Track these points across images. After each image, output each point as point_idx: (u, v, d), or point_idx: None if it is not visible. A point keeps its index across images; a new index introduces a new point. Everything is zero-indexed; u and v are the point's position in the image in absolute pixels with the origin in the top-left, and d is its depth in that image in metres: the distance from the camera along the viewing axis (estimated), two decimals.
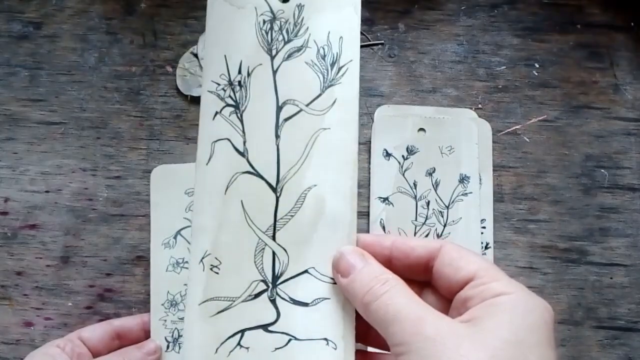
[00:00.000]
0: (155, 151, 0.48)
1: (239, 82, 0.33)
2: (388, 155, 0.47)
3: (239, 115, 0.33)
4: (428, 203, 0.46)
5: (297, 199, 0.32)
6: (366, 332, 0.31)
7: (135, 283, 0.46)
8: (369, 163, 0.47)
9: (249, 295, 0.31)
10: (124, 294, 0.46)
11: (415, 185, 0.47)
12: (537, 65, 0.50)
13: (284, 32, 0.33)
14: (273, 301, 0.31)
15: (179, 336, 0.43)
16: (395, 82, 0.50)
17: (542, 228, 0.47)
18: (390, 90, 0.50)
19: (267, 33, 0.33)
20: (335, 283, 0.30)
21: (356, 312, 0.30)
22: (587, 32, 0.51)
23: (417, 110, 0.49)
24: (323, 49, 0.33)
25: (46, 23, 0.51)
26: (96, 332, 0.42)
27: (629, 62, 0.50)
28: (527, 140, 0.49)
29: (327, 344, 0.30)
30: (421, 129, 0.47)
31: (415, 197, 0.46)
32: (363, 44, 0.51)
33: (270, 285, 0.31)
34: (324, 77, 0.33)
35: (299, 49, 0.33)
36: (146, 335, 0.44)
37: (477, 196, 0.46)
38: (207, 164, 0.32)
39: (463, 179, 0.46)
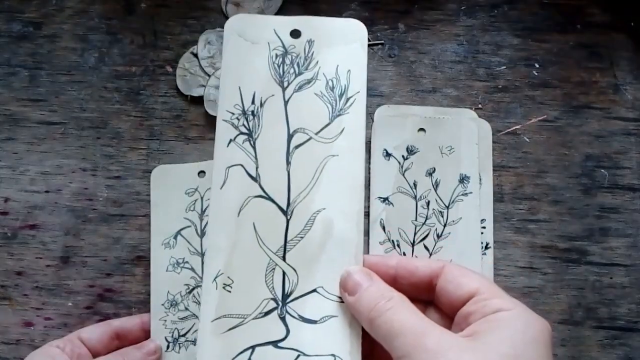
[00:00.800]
0: (155, 151, 0.48)
1: (252, 111, 0.35)
2: (388, 155, 0.47)
3: (252, 142, 0.35)
4: (428, 203, 0.46)
5: (307, 221, 0.33)
6: (372, 349, 0.32)
7: (135, 283, 0.46)
8: (369, 163, 0.47)
9: (260, 313, 0.32)
10: (124, 294, 0.46)
11: (415, 185, 0.47)
12: (537, 65, 0.50)
13: (295, 65, 0.36)
14: (283, 319, 0.32)
15: (179, 336, 0.43)
16: (395, 82, 0.50)
17: (542, 228, 0.47)
18: (390, 90, 0.50)
19: (279, 66, 0.36)
20: (342, 301, 0.31)
21: (362, 329, 0.31)
22: (587, 32, 0.51)
23: (417, 110, 0.49)
24: (332, 81, 0.36)
25: (46, 23, 0.51)
26: (95, 332, 0.42)
27: (629, 62, 0.50)
28: (527, 140, 0.49)
29: (335, 359, 0.31)
30: (421, 129, 0.47)
31: (415, 197, 0.46)
32: None
33: (280, 303, 0.32)
34: (332, 107, 0.35)
35: (309, 81, 0.35)
36: (146, 335, 0.44)
37: (477, 196, 0.46)
38: (221, 188, 0.34)
39: (463, 179, 0.46)
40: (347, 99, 0.35)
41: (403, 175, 0.47)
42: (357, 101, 0.35)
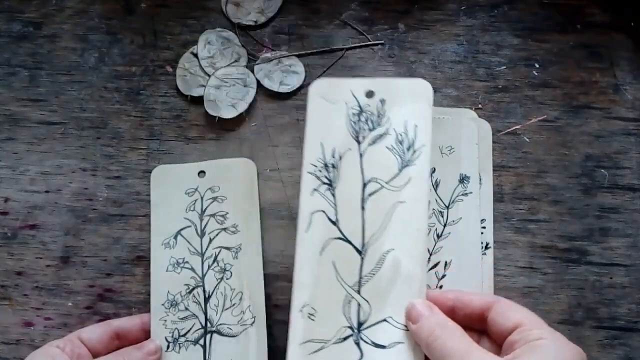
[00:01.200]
0: (155, 151, 0.48)
1: (332, 164, 0.40)
2: None
3: (332, 191, 0.39)
4: (428, 203, 0.46)
5: (378, 260, 0.38)
6: None
7: (135, 283, 0.46)
8: None
9: (339, 339, 0.37)
10: (124, 294, 0.46)
11: None
12: (537, 65, 0.50)
13: (369, 122, 0.40)
14: (357, 344, 0.37)
15: (179, 336, 0.43)
16: None
17: (542, 228, 0.47)
18: None
19: (355, 123, 0.40)
20: (407, 330, 0.36)
21: (424, 354, 0.36)
22: (587, 32, 0.51)
23: None
24: (401, 135, 0.40)
25: (46, 23, 0.51)
26: (95, 332, 0.42)
27: (629, 62, 0.50)
28: (527, 140, 0.49)
29: None
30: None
31: None
32: (363, 44, 0.51)
33: (355, 330, 0.37)
34: (401, 159, 0.39)
35: (381, 136, 0.40)
36: (146, 335, 0.43)
37: (477, 196, 0.46)
38: (306, 231, 0.39)
39: (463, 179, 0.46)
40: (414, 152, 0.39)
41: None
42: (423, 153, 0.39)
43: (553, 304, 0.45)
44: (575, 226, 0.47)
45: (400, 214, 0.38)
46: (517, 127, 0.49)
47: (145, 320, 0.44)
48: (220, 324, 0.43)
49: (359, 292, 0.38)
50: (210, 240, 0.45)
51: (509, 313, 0.35)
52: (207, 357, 0.43)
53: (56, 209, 0.47)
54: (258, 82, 0.49)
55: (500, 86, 0.50)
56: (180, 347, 0.43)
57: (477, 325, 0.37)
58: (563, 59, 0.50)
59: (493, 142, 0.48)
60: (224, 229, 0.45)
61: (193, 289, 0.44)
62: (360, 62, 0.50)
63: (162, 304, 0.44)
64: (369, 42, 0.51)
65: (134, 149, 0.49)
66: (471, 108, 0.49)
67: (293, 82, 0.49)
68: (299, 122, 0.49)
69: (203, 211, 0.45)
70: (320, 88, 0.41)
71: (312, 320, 0.37)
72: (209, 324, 0.43)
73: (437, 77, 0.50)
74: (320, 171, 0.40)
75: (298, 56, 0.50)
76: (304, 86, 0.50)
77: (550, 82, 0.50)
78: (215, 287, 0.44)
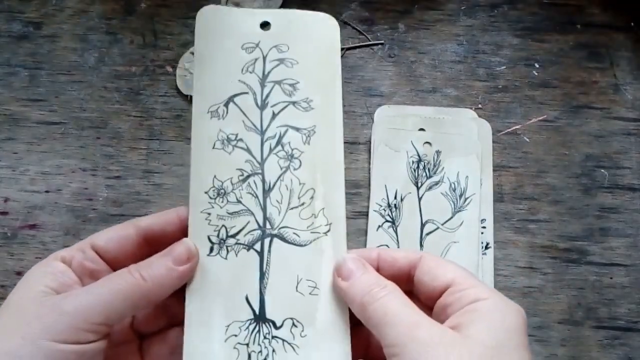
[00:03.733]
0: (155, 151, 0.48)
1: (395, 205, 0.45)
2: None
3: (394, 228, 0.45)
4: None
5: None
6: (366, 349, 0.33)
7: None
8: (369, 163, 0.47)
9: None
10: None
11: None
12: (537, 65, 0.50)
13: (427, 170, 0.46)
14: None
15: (227, 237, 0.33)
16: (395, 82, 0.50)
17: (542, 228, 0.47)
18: (390, 90, 0.50)
19: (414, 170, 0.46)
20: None
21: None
22: (587, 32, 0.51)
23: (417, 110, 0.49)
24: (454, 184, 0.46)
25: (46, 23, 0.51)
26: (115, 238, 0.32)
27: (629, 62, 0.50)
28: (527, 140, 0.49)
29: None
30: (421, 129, 0.47)
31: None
32: (363, 44, 0.51)
33: None
34: (454, 205, 0.45)
35: (437, 183, 0.45)
36: (184, 236, 0.32)
37: (477, 196, 0.46)
38: None
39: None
40: (465, 199, 0.45)
41: None
42: (473, 201, 0.45)
43: (553, 304, 0.45)
44: (575, 226, 0.47)
45: (454, 252, 0.44)
46: (517, 127, 0.49)
47: (182, 215, 0.33)
48: (284, 227, 0.33)
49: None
50: (274, 115, 0.34)
51: (437, 270, 0.31)
52: (264, 268, 0.32)
53: (56, 209, 0.47)
54: None
55: (500, 86, 0.50)
56: (228, 252, 0.32)
57: (403, 286, 0.31)
58: (563, 59, 0.50)
59: (493, 142, 0.48)
60: (293, 103, 0.35)
61: (248, 176, 0.33)
62: (360, 62, 0.50)
63: (206, 192, 0.33)
64: (369, 42, 0.51)
65: (134, 149, 0.49)
66: (471, 108, 0.49)
67: None
68: None
69: (265, 75, 0.35)
70: (385, 136, 0.47)
71: None
72: (268, 225, 0.33)
73: (437, 77, 0.50)
74: (384, 210, 0.45)
75: None
76: None
77: (550, 82, 0.50)
78: (279, 178, 0.33)
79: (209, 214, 0.33)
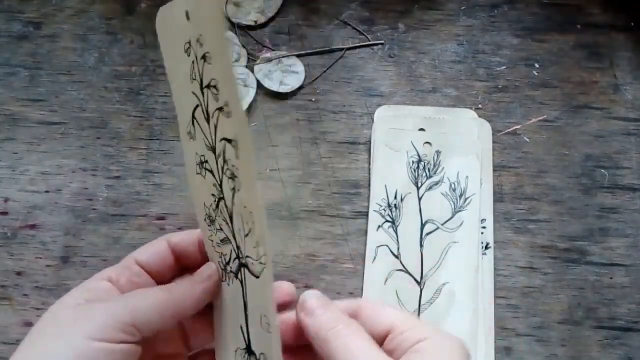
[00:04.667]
0: (155, 151, 0.48)
1: (395, 205, 0.45)
2: None
3: (394, 228, 0.45)
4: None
5: (435, 291, 0.43)
6: None
7: None
8: (369, 163, 0.47)
9: None
10: None
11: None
12: (537, 65, 0.50)
13: (427, 170, 0.45)
14: None
15: (225, 264, 0.32)
16: (395, 82, 0.50)
17: (542, 228, 0.47)
18: (390, 90, 0.50)
19: (414, 170, 0.45)
20: None
21: None
22: (587, 32, 0.51)
23: (417, 110, 0.49)
24: (454, 184, 0.45)
25: (46, 23, 0.51)
26: (154, 253, 0.34)
27: (629, 62, 0.50)
28: (527, 140, 0.49)
29: None
30: (421, 129, 0.47)
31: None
32: (363, 44, 0.51)
33: None
34: (454, 205, 0.45)
35: (437, 183, 0.45)
36: (203, 256, 0.34)
37: (477, 196, 0.46)
38: (372, 262, 0.44)
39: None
40: (465, 199, 0.45)
41: None
42: (473, 201, 0.45)
43: (553, 304, 0.45)
44: (575, 226, 0.47)
45: (454, 252, 0.44)
46: (517, 127, 0.49)
47: (201, 236, 0.34)
48: (247, 256, 0.29)
49: (418, 317, 0.42)
50: (215, 127, 0.29)
51: (375, 318, 0.31)
52: (245, 298, 0.30)
53: (56, 209, 0.47)
54: (258, 82, 0.49)
55: (500, 86, 0.50)
56: (228, 279, 0.32)
57: None
58: (563, 59, 0.50)
59: (493, 142, 0.48)
60: (220, 109, 0.28)
61: (218, 201, 0.31)
62: (360, 62, 0.50)
63: (205, 220, 0.32)
64: (369, 42, 0.51)
65: (134, 149, 0.49)
66: (471, 108, 0.49)
67: (293, 82, 0.49)
68: (299, 122, 0.49)
69: (201, 80, 0.29)
70: (385, 137, 0.46)
71: None
72: (240, 253, 0.30)
73: (437, 77, 0.50)
74: (384, 210, 0.45)
75: (298, 56, 0.50)
76: (304, 86, 0.49)
77: (550, 82, 0.50)
78: (232, 200, 0.29)
79: (212, 240, 0.33)
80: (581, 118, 0.49)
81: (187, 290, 0.32)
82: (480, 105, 0.49)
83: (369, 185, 0.47)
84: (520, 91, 0.50)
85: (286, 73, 0.50)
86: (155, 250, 0.34)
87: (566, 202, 0.47)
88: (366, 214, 0.46)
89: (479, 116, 0.48)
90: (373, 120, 0.48)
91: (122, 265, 0.33)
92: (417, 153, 0.46)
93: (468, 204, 0.45)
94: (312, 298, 0.32)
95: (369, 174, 0.47)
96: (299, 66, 0.50)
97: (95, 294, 0.32)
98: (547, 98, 0.49)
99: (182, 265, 0.34)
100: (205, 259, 0.34)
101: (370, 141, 0.48)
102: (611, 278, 0.46)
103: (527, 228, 0.47)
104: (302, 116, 0.49)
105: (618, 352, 0.45)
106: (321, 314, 0.31)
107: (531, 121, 0.49)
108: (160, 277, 0.34)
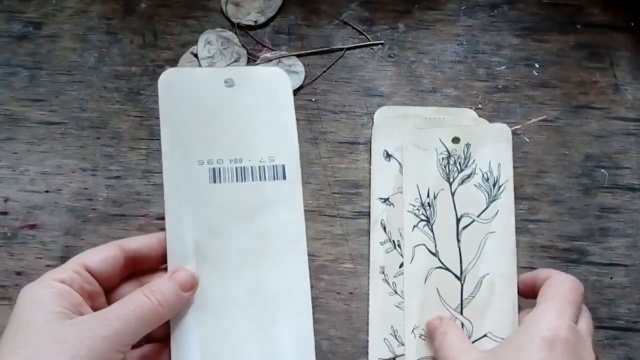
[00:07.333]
0: (155, 151, 0.48)
1: (428, 203, 0.45)
2: (388, 156, 0.47)
3: (430, 226, 0.44)
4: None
5: (476, 284, 0.43)
6: None
7: None
8: (370, 164, 0.47)
9: None
10: None
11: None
12: (537, 65, 0.50)
13: (457, 164, 0.45)
14: None
15: None
16: (395, 82, 0.50)
17: (542, 228, 0.47)
18: (390, 90, 0.50)
19: (445, 167, 0.45)
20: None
21: None
22: (587, 32, 0.51)
23: (417, 110, 0.49)
24: (486, 174, 0.45)
25: (46, 23, 0.51)
26: (105, 260, 0.34)
27: (629, 62, 0.50)
28: (527, 140, 0.49)
29: None
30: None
31: None
32: (363, 44, 0.51)
33: None
34: (488, 195, 0.44)
35: (469, 176, 0.45)
36: (165, 259, 0.36)
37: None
38: (410, 263, 0.44)
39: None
40: (499, 187, 0.44)
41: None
42: (507, 188, 0.45)
43: None
44: (575, 226, 0.47)
45: (491, 242, 0.44)
46: (517, 127, 0.49)
47: (162, 239, 0.36)
48: None
49: (461, 313, 0.43)
50: None
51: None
52: None
53: (56, 209, 0.47)
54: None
55: (500, 86, 0.50)
56: None
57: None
58: (563, 59, 0.50)
59: None
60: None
61: None
62: (360, 62, 0.50)
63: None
64: (369, 42, 0.51)
65: (134, 149, 0.49)
66: (471, 108, 0.49)
67: (293, 82, 0.49)
68: (299, 122, 0.49)
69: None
70: (413, 137, 0.46)
71: (423, 339, 0.42)
72: None
73: (437, 77, 0.50)
74: (418, 210, 0.45)
75: (298, 56, 0.50)
76: (304, 86, 0.49)
77: (550, 82, 0.50)
78: None
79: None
80: (581, 118, 0.49)
81: (174, 301, 0.33)
82: (480, 105, 0.49)
83: (369, 185, 0.47)
84: (520, 91, 0.50)
85: (286, 73, 0.50)
86: (106, 256, 0.34)
87: (566, 202, 0.47)
88: (366, 214, 0.46)
89: (479, 116, 0.48)
90: (373, 121, 0.48)
91: (72, 269, 0.33)
92: (447, 149, 0.46)
93: (502, 191, 0.45)
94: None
95: (369, 174, 0.47)
96: (299, 66, 0.50)
97: (67, 300, 0.31)
98: (547, 98, 0.49)
99: (132, 270, 0.35)
100: (160, 262, 0.35)
101: (370, 142, 0.48)
102: (611, 278, 0.46)
103: (527, 228, 0.47)
104: (302, 116, 0.49)
105: (618, 352, 0.45)
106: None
107: (531, 121, 0.49)
108: (109, 283, 0.34)
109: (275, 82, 0.40)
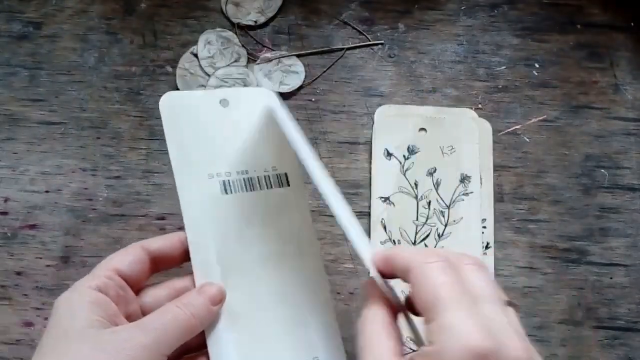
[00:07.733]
0: (155, 151, 0.48)
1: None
2: (389, 155, 0.47)
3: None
4: (429, 203, 0.46)
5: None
6: None
7: None
8: (370, 163, 0.47)
9: None
10: None
11: (416, 185, 0.47)
12: (537, 65, 0.50)
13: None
14: None
15: None
16: (395, 82, 0.50)
17: (542, 228, 0.47)
18: (390, 90, 0.50)
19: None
20: None
21: None
22: (587, 32, 0.51)
23: (417, 110, 0.49)
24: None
25: (46, 23, 0.51)
26: (134, 262, 0.34)
27: (629, 62, 0.50)
28: (527, 140, 0.49)
29: None
30: (422, 129, 0.47)
31: (417, 197, 0.46)
32: (363, 44, 0.51)
33: None
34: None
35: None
36: (187, 257, 0.36)
37: (478, 196, 0.46)
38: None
39: (464, 179, 0.46)
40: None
41: (404, 175, 0.47)
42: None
43: (553, 304, 0.45)
44: (575, 226, 0.47)
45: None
46: (517, 127, 0.49)
47: (183, 239, 0.36)
48: None
49: None
50: None
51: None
52: None
53: (56, 209, 0.47)
54: (258, 82, 0.49)
55: (500, 86, 0.50)
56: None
57: None
58: (563, 59, 0.50)
59: (493, 142, 0.48)
60: None
61: None
62: (360, 62, 0.50)
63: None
64: (369, 42, 0.51)
65: (134, 149, 0.48)
66: (471, 108, 0.49)
67: (293, 82, 0.49)
68: (299, 122, 0.49)
69: None
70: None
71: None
72: None
73: (437, 77, 0.50)
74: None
75: (298, 56, 0.50)
76: (304, 86, 0.50)
77: (550, 82, 0.50)
78: None
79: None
80: (581, 118, 0.49)
81: (205, 315, 0.33)
82: (480, 105, 0.49)
83: (369, 185, 0.47)
84: (520, 91, 0.50)
85: (286, 73, 0.50)
86: (134, 259, 0.34)
87: (566, 202, 0.47)
88: (367, 214, 0.46)
89: (479, 116, 0.48)
90: (373, 121, 0.48)
91: (105, 276, 0.33)
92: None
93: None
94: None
95: (369, 173, 0.47)
96: (299, 66, 0.50)
97: (104, 310, 0.32)
98: (547, 98, 0.49)
99: (155, 271, 0.35)
100: (181, 261, 0.35)
101: (370, 141, 0.48)
102: (611, 278, 0.46)
103: (527, 228, 0.47)
104: (302, 116, 0.49)
105: (618, 352, 0.45)
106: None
107: (531, 121, 0.49)
108: (138, 286, 0.34)
109: (264, 100, 0.41)
